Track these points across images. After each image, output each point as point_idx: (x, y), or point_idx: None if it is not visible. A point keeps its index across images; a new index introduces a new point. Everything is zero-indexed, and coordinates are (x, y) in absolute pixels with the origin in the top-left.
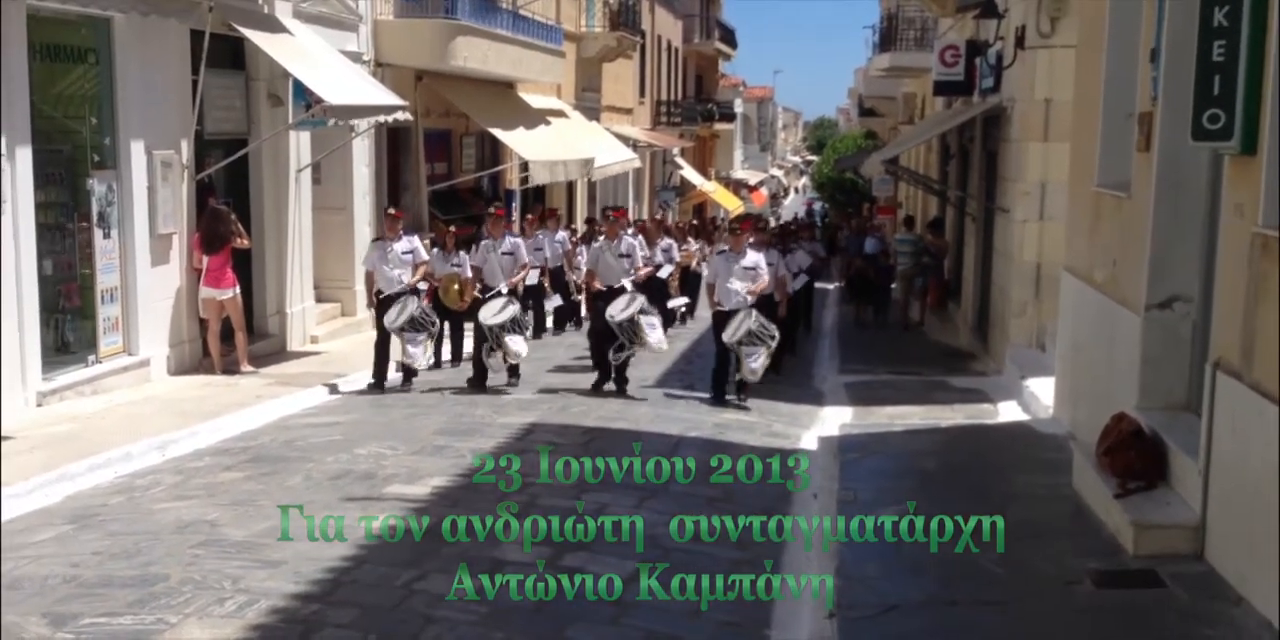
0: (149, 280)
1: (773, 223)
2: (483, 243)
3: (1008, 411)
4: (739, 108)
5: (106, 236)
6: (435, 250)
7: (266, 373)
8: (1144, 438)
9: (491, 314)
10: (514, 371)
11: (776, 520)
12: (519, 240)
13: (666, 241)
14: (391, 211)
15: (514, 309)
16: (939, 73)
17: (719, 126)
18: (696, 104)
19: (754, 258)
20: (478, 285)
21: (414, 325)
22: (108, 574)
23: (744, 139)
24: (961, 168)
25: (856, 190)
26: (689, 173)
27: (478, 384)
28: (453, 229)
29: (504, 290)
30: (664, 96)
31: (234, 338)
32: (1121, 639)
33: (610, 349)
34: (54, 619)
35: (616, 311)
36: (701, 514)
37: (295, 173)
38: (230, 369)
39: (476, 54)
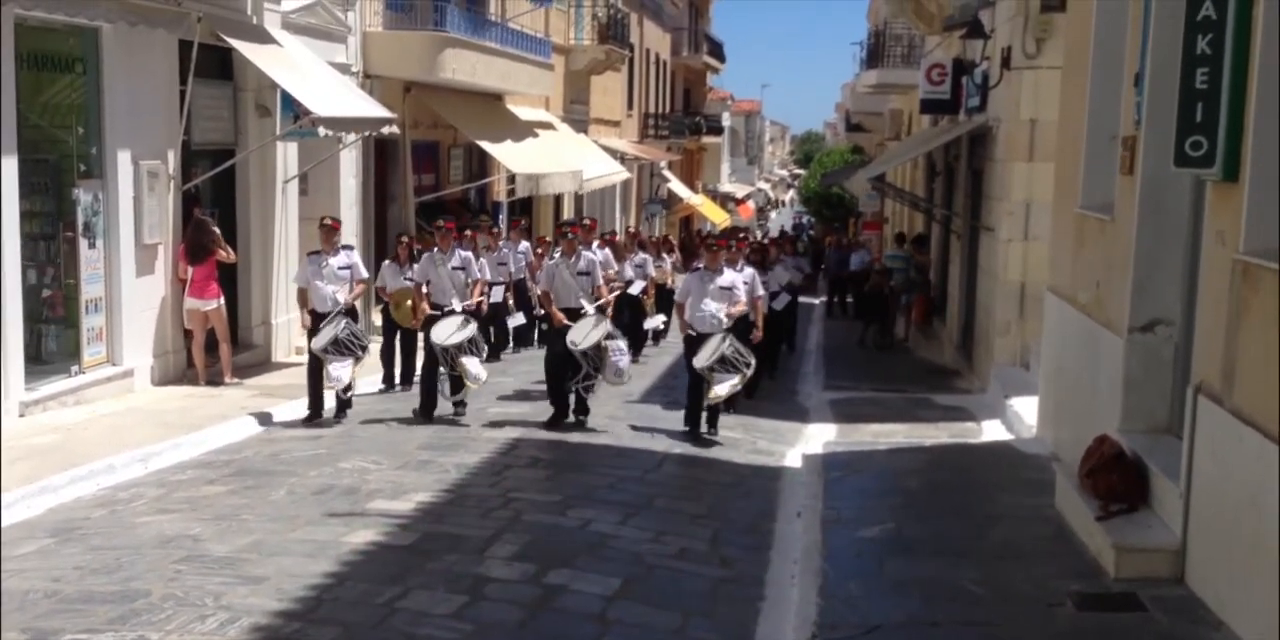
0: (134, 290)
1: (758, 235)
2: (425, 255)
3: (991, 430)
4: (727, 121)
5: (92, 246)
6: (387, 263)
7: (251, 384)
8: (1126, 460)
9: (446, 334)
10: (459, 405)
11: (760, 538)
12: (469, 255)
13: (640, 256)
14: (328, 221)
15: (472, 329)
16: (925, 91)
17: (707, 140)
18: (684, 117)
19: (731, 277)
20: (424, 302)
21: (339, 348)
22: (89, 589)
23: (731, 152)
24: (947, 186)
25: (843, 204)
26: (676, 186)
27: (425, 414)
28: (405, 239)
29: (459, 309)
30: (652, 109)
31: (218, 349)
32: None
33: (573, 380)
34: (35, 635)
35: (579, 337)
36: (685, 531)
37: (282, 183)
38: (214, 380)
39: (465, 66)
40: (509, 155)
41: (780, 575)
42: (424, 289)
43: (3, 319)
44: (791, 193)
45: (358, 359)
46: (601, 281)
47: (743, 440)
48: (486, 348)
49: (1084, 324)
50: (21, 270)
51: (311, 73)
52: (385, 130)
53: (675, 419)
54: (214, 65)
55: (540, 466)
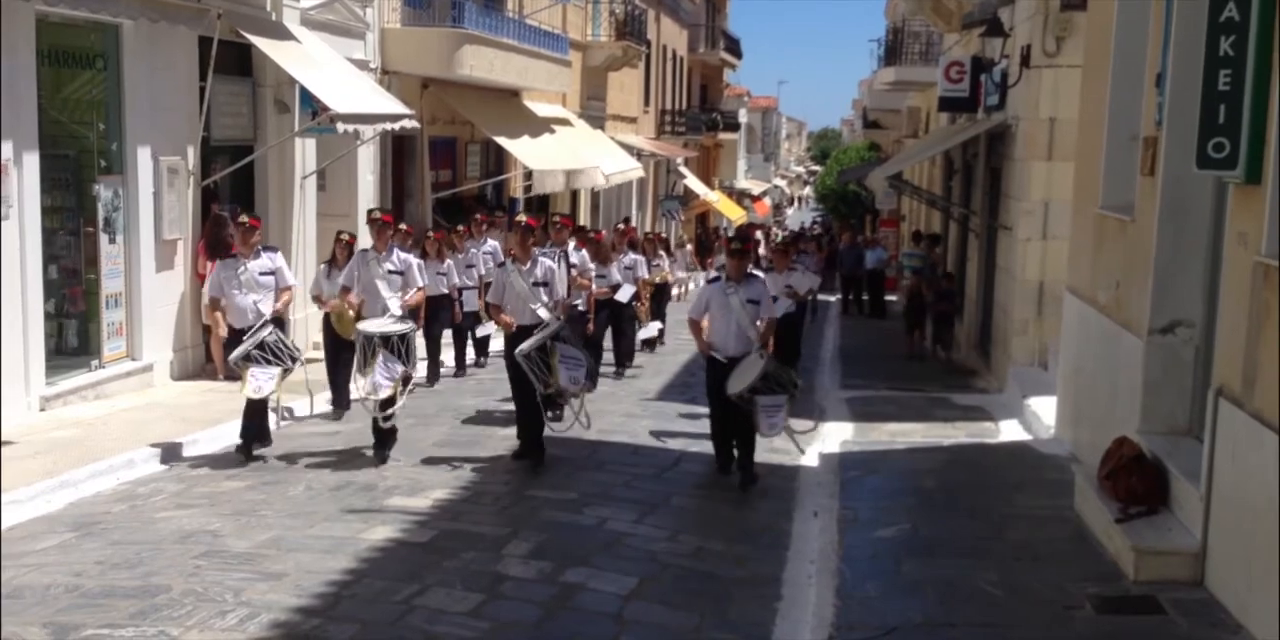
0: (153, 286)
1: (774, 233)
2: (356, 255)
3: (1009, 430)
4: (743, 118)
5: (112, 242)
6: (322, 267)
7: None
8: (1145, 462)
9: (376, 326)
10: (385, 437)
11: (776, 537)
12: (410, 258)
13: (630, 257)
14: (245, 219)
15: (406, 327)
16: (944, 89)
17: (723, 136)
18: (701, 113)
19: (759, 287)
20: (351, 311)
21: (264, 354)
22: (110, 584)
23: (748, 149)
24: (965, 184)
25: (859, 202)
26: (692, 182)
27: (379, 451)
28: (345, 237)
29: (397, 312)
30: (669, 106)
31: None
32: None
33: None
34: (56, 630)
35: (525, 346)
36: (701, 529)
37: (300, 179)
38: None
39: (483, 62)
40: (526, 151)
41: (797, 575)
42: (351, 295)
43: (25, 313)
44: (808, 189)
45: (286, 369)
46: (563, 294)
47: (758, 439)
48: (407, 366)
49: (1103, 325)
50: (43, 265)
51: (330, 69)
52: (402, 125)
53: (693, 420)
54: (233, 61)
55: (556, 464)
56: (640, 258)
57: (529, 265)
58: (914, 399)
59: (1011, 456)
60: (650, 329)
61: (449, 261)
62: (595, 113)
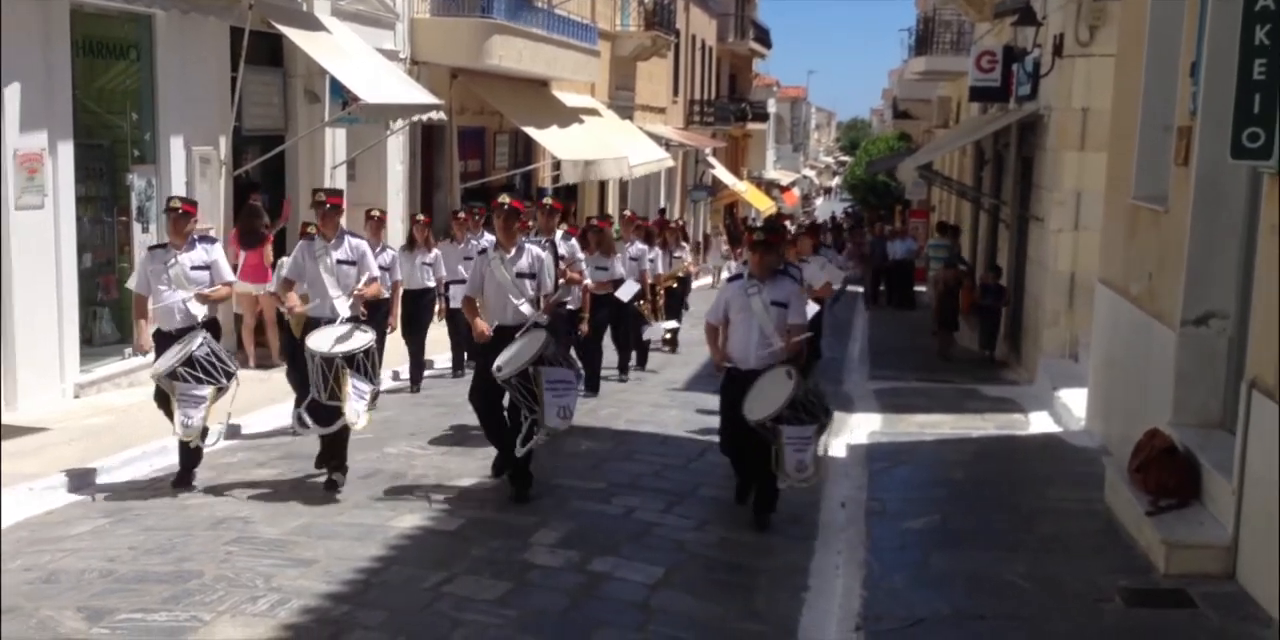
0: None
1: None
2: (300, 244)
3: (1039, 422)
4: (772, 107)
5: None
6: (284, 262)
7: None
8: (1177, 455)
9: (329, 341)
10: (337, 462)
11: (804, 528)
12: (362, 244)
13: (637, 247)
14: (176, 204)
15: (366, 340)
16: (975, 78)
17: (752, 126)
18: (730, 103)
19: (787, 288)
20: (290, 310)
21: (192, 370)
22: (143, 569)
23: (776, 139)
24: (996, 174)
25: (889, 192)
26: (721, 172)
27: (330, 477)
28: (376, 214)
29: (344, 314)
30: (697, 96)
31: (267, 333)
32: None
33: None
34: (90, 614)
35: (504, 361)
36: (728, 520)
37: (330, 169)
38: (264, 363)
39: (512, 52)
40: (554, 141)
41: (824, 566)
42: (293, 294)
43: (59, 301)
44: (837, 180)
45: (220, 389)
46: (551, 288)
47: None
48: (375, 383)
49: (1135, 316)
50: (77, 254)
51: (360, 59)
52: (432, 116)
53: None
54: (264, 52)
55: (584, 454)
56: (646, 248)
57: (513, 253)
58: (943, 390)
59: (1041, 449)
60: (657, 329)
61: (435, 251)
62: (624, 103)
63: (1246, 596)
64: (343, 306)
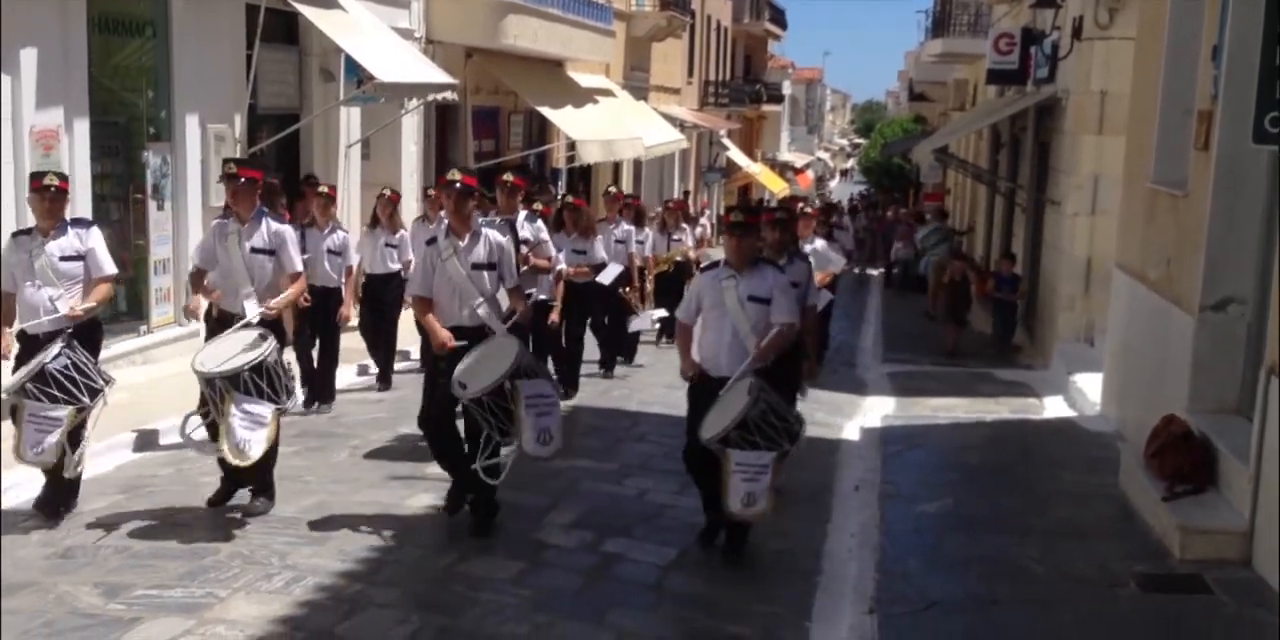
0: None
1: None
2: (214, 224)
3: (1054, 407)
4: (787, 89)
5: (160, 208)
6: (364, 230)
7: None
8: (1193, 441)
9: (219, 357)
10: (258, 486)
11: (817, 511)
12: (285, 230)
13: (623, 228)
14: (48, 182)
15: (265, 350)
16: (993, 61)
17: (766, 108)
18: (744, 85)
19: (770, 279)
20: (203, 305)
21: (43, 387)
22: (158, 545)
23: (791, 121)
24: (1012, 157)
25: (904, 175)
26: (735, 154)
27: (262, 495)
28: (388, 194)
29: (255, 318)
30: (712, 77)
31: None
32: None
33: (482, 451)
34: (107, 589)
35: (463, 375)
36: None
37: (345, 148)
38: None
39: (527, 32)
40: (569, 122)
41: (837, 549)
42: (205, 281)
43: None
44: (851, 162)
45: (81, 407)
46: (513, 282)
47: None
48: (291, 395)
49: (1153, 301)
50: None
51: (375, 38)
52: (446, 95)
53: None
54: (280, 30)
55: (597, 435)
56: (634, 229)
57: (467, 240)
58: (957, 374)
59: (1056, 433)
60: (645, 319)
61: (403, 231)
62: (638, 83)
63: (1262, 582)
64: (251, 308)
